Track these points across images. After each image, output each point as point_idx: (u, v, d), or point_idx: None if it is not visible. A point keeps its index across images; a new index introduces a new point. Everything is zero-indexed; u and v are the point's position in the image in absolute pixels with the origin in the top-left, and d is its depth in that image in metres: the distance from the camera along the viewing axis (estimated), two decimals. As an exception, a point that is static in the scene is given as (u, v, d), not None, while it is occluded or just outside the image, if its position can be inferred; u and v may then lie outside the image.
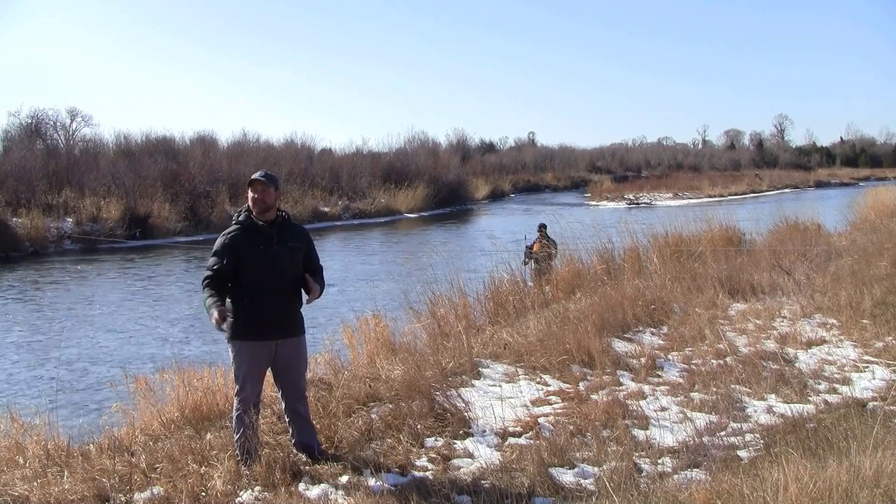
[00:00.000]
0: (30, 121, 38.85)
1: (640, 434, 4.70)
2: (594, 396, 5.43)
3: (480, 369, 6.11)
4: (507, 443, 4.61)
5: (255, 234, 4.19)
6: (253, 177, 4.24)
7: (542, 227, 11.33)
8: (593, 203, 40.95)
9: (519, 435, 4.75)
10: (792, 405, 5.11)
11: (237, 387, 4.26)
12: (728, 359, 6.26)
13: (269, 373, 4.44)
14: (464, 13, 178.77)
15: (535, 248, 10.87)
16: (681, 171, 66.07)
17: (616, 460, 4.19)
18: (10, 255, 20.41)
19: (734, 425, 4.82)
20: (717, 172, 64.73)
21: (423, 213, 34.44)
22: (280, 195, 4.45)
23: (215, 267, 4.14)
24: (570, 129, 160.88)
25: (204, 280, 4.20)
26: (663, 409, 5.23)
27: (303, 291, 4.35)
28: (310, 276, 4.32)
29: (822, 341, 6.87)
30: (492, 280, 8.89)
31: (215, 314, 3.99)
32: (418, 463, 4.31)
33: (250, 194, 4.22)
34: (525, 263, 10.55)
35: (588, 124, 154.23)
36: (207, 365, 5.96)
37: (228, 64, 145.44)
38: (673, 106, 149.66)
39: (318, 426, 4.60)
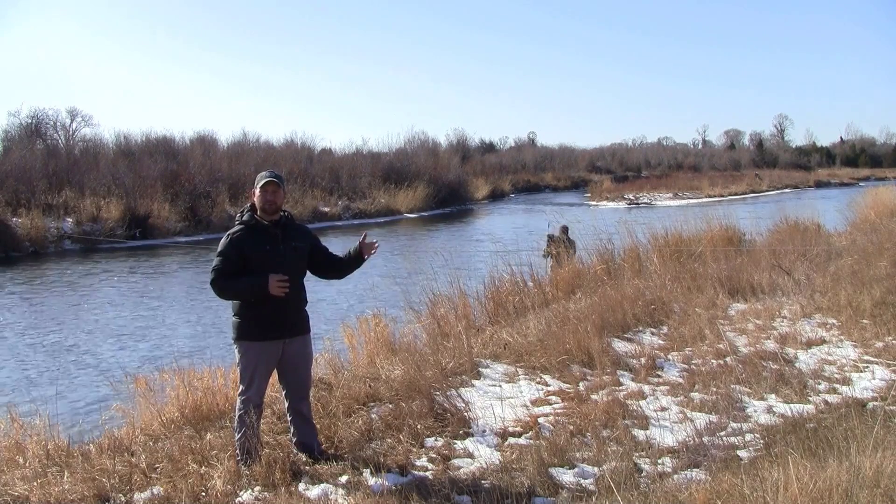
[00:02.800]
0: (30, 121, 39.01)
1: (640, 434, 4.70)
2: (594, 396, 5.43)
3: (480, 369, 6.11)
4: (507, 443, 4.61)
5: (261, 234, 4.18)
6: (265, 179, 4.22)
7: (565, 230, 11.54)
8: (593, 203, 40.93)
9: (519, 435, 4.75)
10: (792, 405, 5.11)
11: (241, 387, 4.25)
12: (728, 359, 6.26)
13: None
14: (464, 13, 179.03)
15: (550, 247, 11.08)
16: (681, 171, 66.06)
17: (616, 460, 4.19)
18: (10, 255, 20.40)
19: (734, 425, 4.81)
20: (717, 172, 64.68)
21: (423, 213, 34.43)
22: (286, 196, 4.46)
23: (221, 267, 4.12)
24: (570, 129, 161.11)
25: (215, 279, 4.13)
26: (663, 409, 5.23)
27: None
28: (338, 257, 4.50)
29: (822, 341, 6.87)
30: (492, 280, 8.89)
31: (268, 281, 4.03)
32: (418, 463, 4.31)
33: (261, 195, 4.20)
34: (545, 256, 10.90)
35: (588, 124, 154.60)
36: (207, 365, 5.96)
37: (228, 64, 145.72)
38: (673, 106, 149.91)
39: (318, 426, 4.60)
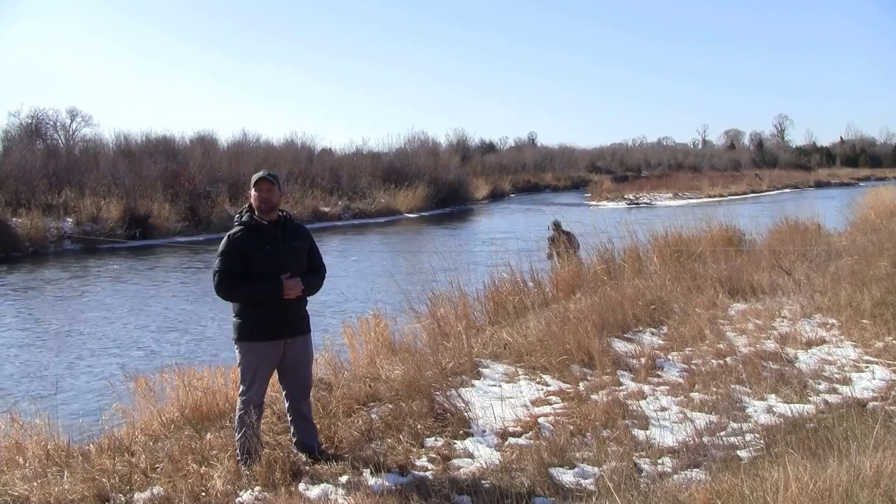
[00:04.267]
0: (30, 121, 38.92)
1: (640, 434, 4.70)
2: (594, 396, 5.43)
3: (480, 369, 6.11)
4: (507, 443, 4.61)
5: (261, 235, 4.18)
6: (258, 176, 4.22)
7: (557, 226, 11.52)
8: (593, 203, 40.91)
9: (519, 435, 4.75)
10: (792, 405, 5.11)
11: (242, 387, 4.25)
12: (728, 359, 6.26)
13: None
14: (464, 13, 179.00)
15: (552, 248, 11.08)
16: (681, 171, 65.98)
17: (616, 460, 4.19)
18: (10, 255, 20.38)
19: (734, 425, 4.82)
20: (717, 172, 64.63)
21: (423, 213, 34.40)
22: (283, 195, 4.46)
23: (224, 269, 4.12)
24: (570, 129, 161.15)
25: (220, 283, 4.12)
26: (663, 409, 5.23)
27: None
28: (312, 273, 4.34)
29: (822, 341, 6.87)
30: (492, 280, 8.89)
31: (282, 286, 4.04)
32: (418, 463, 4.31)
33: (256, 194, 4.20)
34: (549, 257, 10.93)
35: (588, 124, 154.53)
36: (207, 365, 5.97)
37: (228, 64, 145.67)
38: (673, 106, 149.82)
39: (318, 426, 4.60)
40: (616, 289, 8.51)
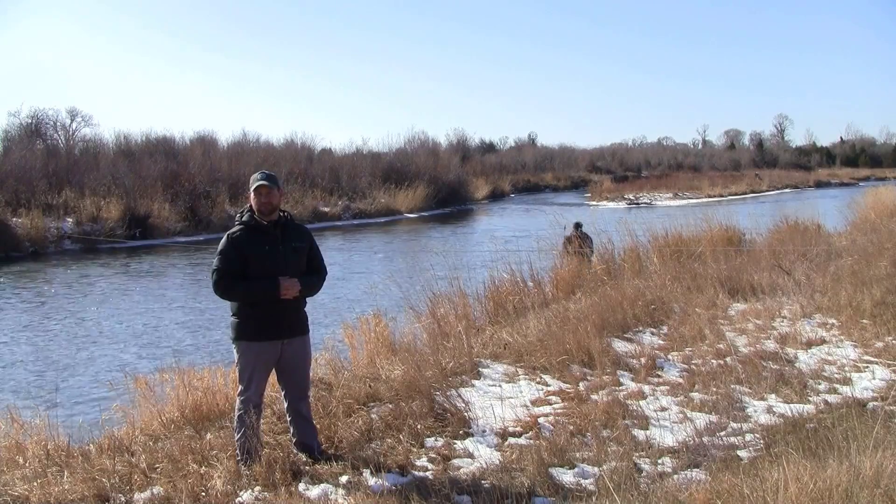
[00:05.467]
0: (30, 121, 38.91)
1: (640, 434, 4.70)
2: (594, 396, 5.43)
3: (480, 369, 6.11)
4: (507, 443, 4.61)
5: (260, 235, 4.19)
6: (257, 182, 4.20)
7: (578, 226, 11.46)
8: (593, 203, 40.92)
9: (519, 435, 4.75)
10: (792, 405, 5.11)
11: (240, 387, 4.26)
12: (728, 359, 6.26)
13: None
14: (464, 13, 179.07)
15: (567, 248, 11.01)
16: (681, 171, 65.96)
17: (616, 460, 4.19)
18: (10, 255, 20.39)
19: (734, 425, 4.82)
20: (717, 172, 64.65)
21: (423, 213, 34.41)
22: (283, 194, 4.45)
23: (222, 268, 4.12)
24: (570, 129, 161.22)
25: (218, 281, 4.12)
26: (663, 409, 5.23)
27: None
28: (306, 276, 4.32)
29: (822, 341, 6.87)
30: (492, 280, 8.89)
31: (280, 285, 4.04)
32: (418, 463, 4.31)
33: (255, 198, 4.20)
34: (562, 256, 10.76)
35: (588, 124, 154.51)
36: (207, 365, 5.97)
37: (228, 64, 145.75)
38: (673, 106, 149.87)
39: (318, 426, 4.60)
40: (616, 289, 8.51)
